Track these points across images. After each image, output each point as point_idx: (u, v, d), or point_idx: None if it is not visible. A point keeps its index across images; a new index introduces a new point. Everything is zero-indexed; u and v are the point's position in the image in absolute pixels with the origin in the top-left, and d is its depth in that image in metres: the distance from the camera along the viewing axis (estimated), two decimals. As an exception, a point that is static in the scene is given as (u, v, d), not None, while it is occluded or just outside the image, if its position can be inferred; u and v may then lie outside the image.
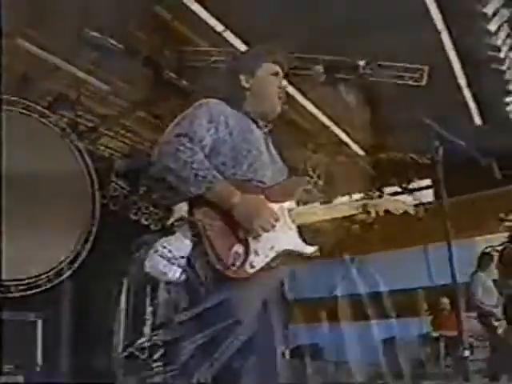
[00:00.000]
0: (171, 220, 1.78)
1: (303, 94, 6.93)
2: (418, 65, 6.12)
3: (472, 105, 7.08)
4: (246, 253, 1.71)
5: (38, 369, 4.96)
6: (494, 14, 5.43)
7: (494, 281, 5.32)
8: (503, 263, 4.92)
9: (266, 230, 1.73)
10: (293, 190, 1.93)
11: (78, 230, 6.28)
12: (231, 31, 5.68)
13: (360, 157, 8.73)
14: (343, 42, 5.79)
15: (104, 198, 6.84)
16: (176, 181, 1.70)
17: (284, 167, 2.06)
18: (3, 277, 4.75)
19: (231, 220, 1.72)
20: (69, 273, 6.01)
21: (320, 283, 8.76)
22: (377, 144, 8.28)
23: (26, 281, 5.60)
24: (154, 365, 4.61)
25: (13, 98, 5.79)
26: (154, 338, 4.91)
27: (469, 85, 6.61)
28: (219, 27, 5.61)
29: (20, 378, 4.45)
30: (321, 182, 8.25)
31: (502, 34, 5.72)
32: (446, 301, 7.28)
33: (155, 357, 4.73)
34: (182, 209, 1.74)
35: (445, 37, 5.66)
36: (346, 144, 8.38)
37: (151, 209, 7.55)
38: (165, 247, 1.71)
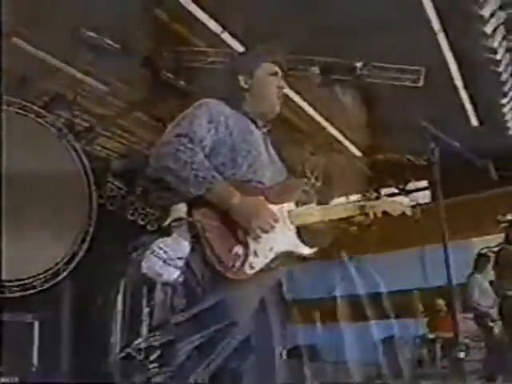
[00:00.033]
0: (168, 221, 1.77)
1: (299, 94, 6.94)
2: (415, 66, 6.14)
3: (468, 106, 7.12)
4: (246, 254, 1.71)
5: (34, 369, 4.95)
6: (491, 16, 5.46)
7: (491, 282, 5.32)
8: (500, 264, 4.93)
9: (266, 231, 1.73)
10: (292, 191, 1.93)
11: (74, 230, 6.24)
12: (229, 32, 5.68)
13: (357, 158, 8.76)
14: (341, 43, 5.80)
15: (101, 198, 6.81)
16: (176, 181, 1.70)
17: (283, 167, 2.05)
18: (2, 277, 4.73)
19: (230, 221, 1.71)
20: (65, 273, 5.99)
21: (319, 284, 8.77)
22: (374, 145, 8.30)
23: (23, 281, 5.56)
24: (151, 366, 4.60)
25: (9, 98, 5.76)
26: (151, 339, 4.90)
27: (465, 86, 6.64)
28: (217, 28, 5.61)
29: (16, 379, 4.44)
30: (318, 184, 8.26)
31: (499, 36, 5.75)
32: (441, 302, 7.30)
33: (152, 358, 4.72)
34: (180, 209, 1.73)
35: (441, 38, 5.68)
36: (343, 145, 8.40)
37: (148, 209, 7.54)
38: (161, 248, 1.71)
